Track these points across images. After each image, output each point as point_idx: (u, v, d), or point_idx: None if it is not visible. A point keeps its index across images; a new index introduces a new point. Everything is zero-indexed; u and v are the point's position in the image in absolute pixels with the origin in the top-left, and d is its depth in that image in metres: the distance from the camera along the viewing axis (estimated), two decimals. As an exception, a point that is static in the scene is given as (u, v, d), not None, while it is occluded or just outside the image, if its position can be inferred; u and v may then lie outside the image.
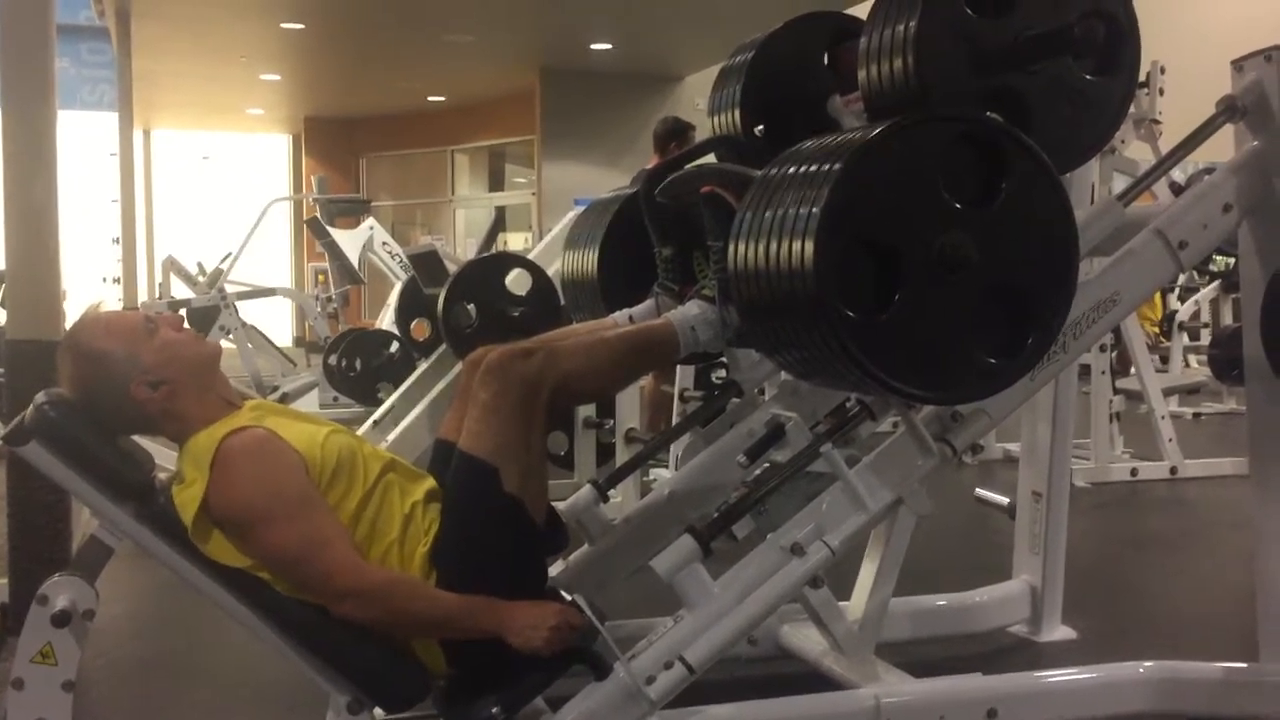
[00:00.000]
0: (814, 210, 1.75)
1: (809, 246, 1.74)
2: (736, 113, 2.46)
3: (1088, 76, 2.07)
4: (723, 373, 4.86)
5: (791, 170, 1.89)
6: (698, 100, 12.90)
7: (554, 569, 2.46)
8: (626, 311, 2.43)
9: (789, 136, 2.06)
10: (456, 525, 2.01)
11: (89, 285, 13.59)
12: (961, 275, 1.81)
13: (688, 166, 2.38)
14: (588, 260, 2.66)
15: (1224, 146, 2.36)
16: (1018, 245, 1.86)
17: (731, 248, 1.95)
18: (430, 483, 2.11)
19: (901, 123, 1.82)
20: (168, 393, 2.01)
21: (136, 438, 2.18)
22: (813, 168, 1.83)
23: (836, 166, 1.77)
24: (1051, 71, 2.02)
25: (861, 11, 2.24)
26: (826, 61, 2.49)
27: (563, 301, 4.44)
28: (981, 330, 1.86)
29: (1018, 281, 1.87)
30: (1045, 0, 2.00)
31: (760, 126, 2.44)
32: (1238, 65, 2.31)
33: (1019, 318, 1.88)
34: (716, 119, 2.52)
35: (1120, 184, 5.14)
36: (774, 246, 1.82)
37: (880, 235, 1.79)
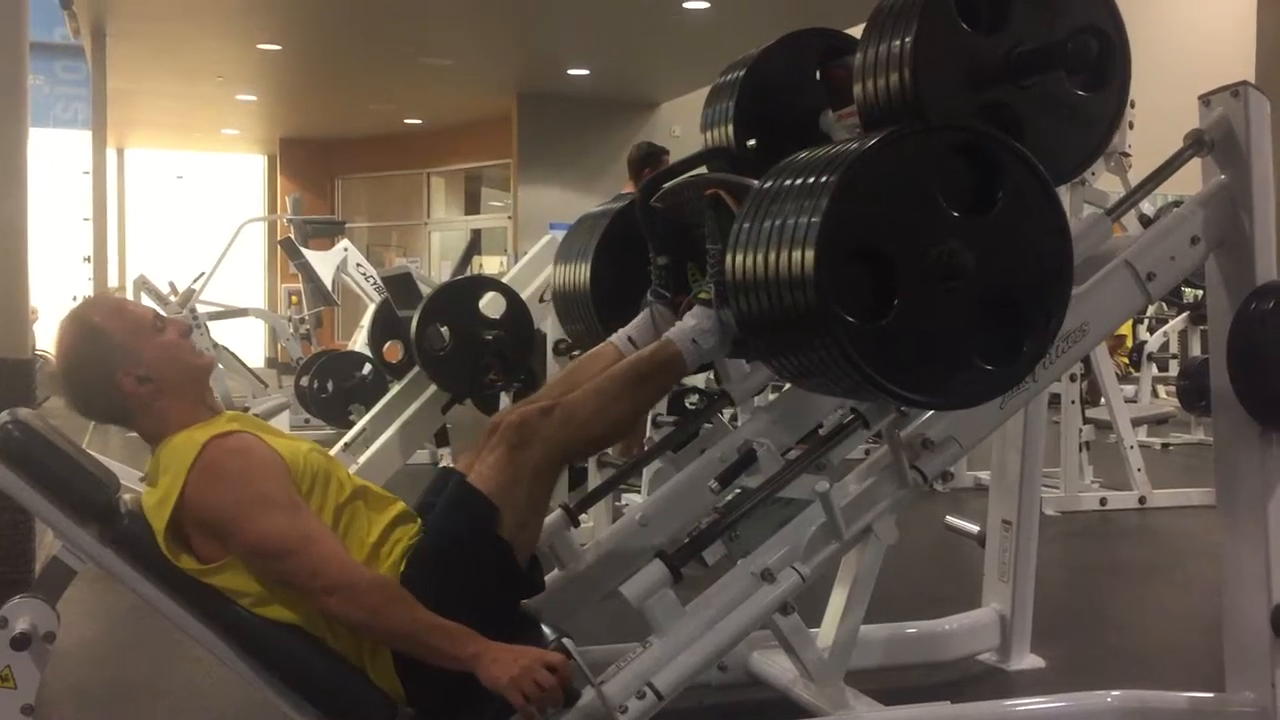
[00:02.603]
0: (813, 220, 1.77)
1: (809, 255, 1.76)
2: (729, 128, 2.47)
3: (1080, 92, 2.10)
4: (695, 398, 4.87)
5: (789, 181, 1.91)
6: (674, 127, 12.97)
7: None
8: (624, 332, 2.44)
9: (781, 152, 2.07)
10: (441, 553, 2.00)
11: (59, 304, 13.47)
12: (958, 283, 1.83)
13: (685, 175, 2.40)
14: (580, 273, 2.67)
15: (1192, 180, 2.39)
16: (1013, 254, 1.89)
17: (730, 258, 1.96)
18: (399, 507, 2.10)
19: (899, 132, 1.85)
20: (153, 390, 2.01)
21: (103, 459, 2.16)
22: (811, 178, 1.85)
23: (834, 176, 1.79)
24: (1045, 86, 2.05)
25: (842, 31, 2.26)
26: (819, 77, 2.50)
27: (549, 317, 4.46)
28: (978, 337, 1.88)
29: (1013, 289, 1.90)
30: (1039, 16, 2.04)
31: (752, 141, 2.46)
32: (1205, 100, 2.34)
33: (1014, 325, 1.90)
34: (709, 134, 2.53)
35: (1091, 215, 5.18)
36: (773, 256, 1.84)
37: (878, 243, 1.81)
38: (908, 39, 1.94)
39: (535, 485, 2.06)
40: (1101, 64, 2.08)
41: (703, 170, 2.47)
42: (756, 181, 2.03)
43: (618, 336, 2.44)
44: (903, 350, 1.82)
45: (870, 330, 1.79)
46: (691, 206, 2.35)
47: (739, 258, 1.93)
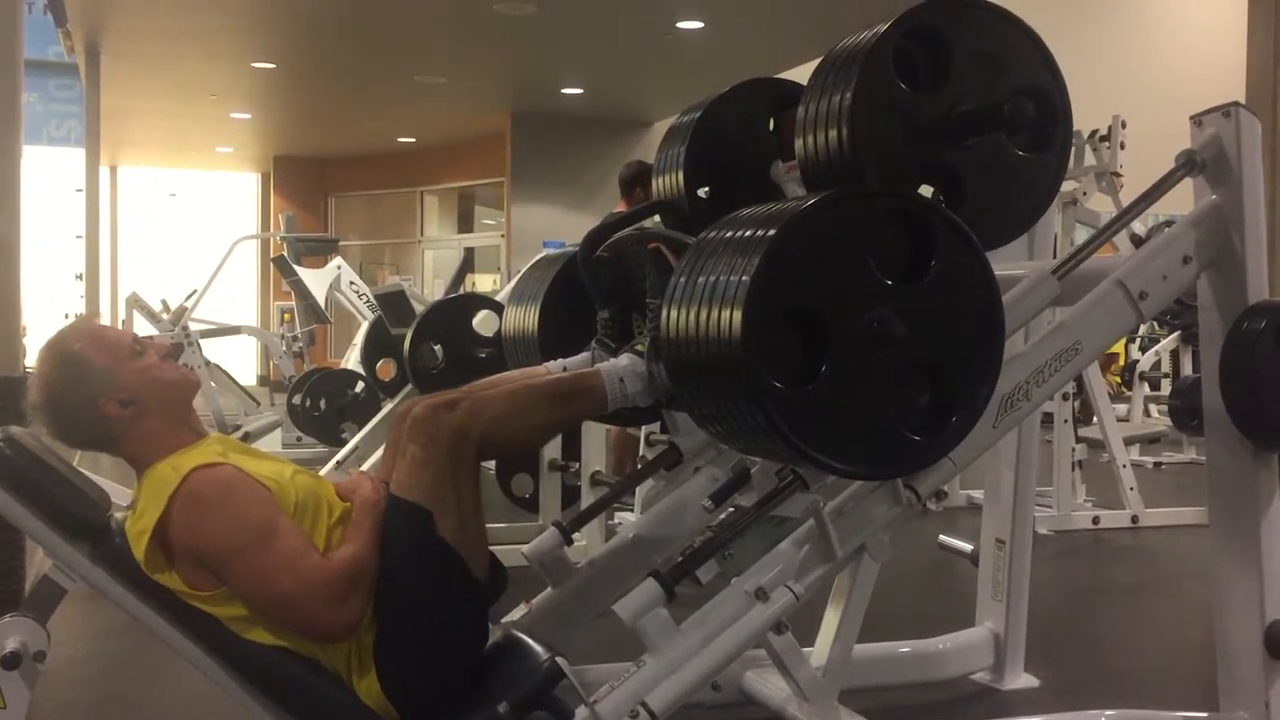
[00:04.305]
0: (744, 279, 1.75)
1: (737, 315, 1.74)
2: (680, 175, 2.45)
3: (1020, 153, 2.08)
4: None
5: (725, 236, 1.89)
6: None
7: (516, 613, 2.44)
8: (561, 361, 2.43)
9: (732, 200, 2.07)
10: (392, 571, 1.98)
11: (51, 321, 13.45)
12: (887, 351, 1.81)
13: (629, 229, 2.39)
14: (529, 317, 2.66)
15: (1184, 199, 2.40)
16: (943, 323, 1.86)
17: (664, 312, 1.95)
18: None
19: (833, 197, 1.83)
20: (136, 414, 2.00)
21: (94, 478, 2.15)
22: (745, 234, 1.83)
23: (769, 235, 1.77)
24: (985, 147, 2.03)
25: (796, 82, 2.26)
26: (771, 127, 2.49)
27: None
28: (906, 406, 1.85)
29: (942, 360, 1.87)
30: (978, 77, 2.02)
31: (704, 189, 2.44)
32: (1197, 120, 2.35)
33: (943, 395, 1.88)
34: (661, 179, 2.51)
35: (1082, 235, 5.20)
36: (704, 314, 1.82)
37: (809, 306, 1.78)
38: (847, 94, 1.93)
39: (458, 481, 2.01)
40: (1041, 125, 2.07)
41: (656, 220, 2.47)
42: (692, 240, 2.01)
43: (553, 363, 2.44)
44: (829, 417, 1.80)
45: (797, 395, 1.77)
46: (635, 259, 2.35)
47: (672, 313, 1.91)
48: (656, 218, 2.49)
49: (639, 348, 2.28)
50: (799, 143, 2.04)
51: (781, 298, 1.76)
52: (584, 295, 2.47)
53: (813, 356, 1.78)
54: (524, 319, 2.68)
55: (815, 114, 1.99)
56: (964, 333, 1.88)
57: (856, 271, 1.80)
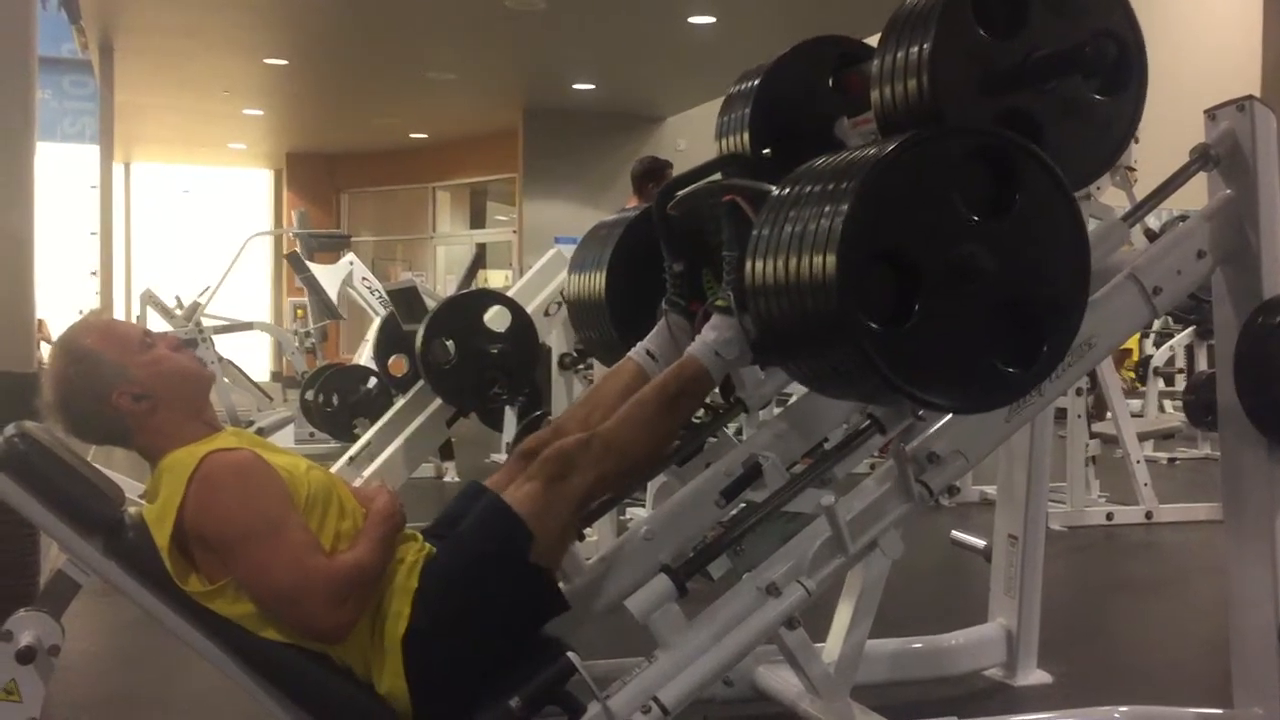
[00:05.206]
0: (834, 224, 1.77)
1: (830, 260, 1.76)
2: (745, 135, 2.47)
3: (1097, 96, 2.10)
4: (700, 412, 4.85)
5: (808, 187, 1.91)
6: (679, 141, 12.99)
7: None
8: (642, 346, 2.43)
9: (797, 159, 2.07)
10: (466, 565, 1.99)
11: (65, 317, 13.49)
12: (978, 286, 1.83)
13: (702, 182, 2.39)
14: (595, 281, 2.67)
15: (1198, 194, 2.39)
16: (1032, 257, 1.89)
17: (749, 264, 1.96)
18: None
19: (918, 137, 1.85)
20: (149, 408, 2.01)
21: (108, 472, 2.16)
22: (830, 184, 1.85)
23: (855, 182, 1.79)
24: (1062, 91, 2.06)
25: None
26: (832, 84, 2.51)
27: (554, 331, 4.45)
28: (998, 340, 1.88)
29: (1032, 292, 1.89)
30: (1056, 21, 2.04)
31: (767, 150, 2.46)
32: (1211, 115, 2.34)
33: (1034, 328, 1.90)
34: (724, 141, 2.53)
35: (1096, 230, 5.18)
36: (793, 262, 1.84)
37: (899, 248, 1.81)
38: (925, 45, 1.95)
39: (571, 516, 2.06)
40: (1119, 67, 2.08)
41: (718, 177, 2.47)
42: (774, 187, 2.03)
43: (636, 351, 2.43)
44: (923, 354, 1.82)
45: (891, 335, 1.79)
46: (708, 213, 2.35)
47: (758, 264, 1.93)
48: (719, 175, 2.49)
49: (720, 303, 2.27)
50: (875, 94, 2.05)
51: (873, 240, 1.79)
52: (646, 257, 2.48)
53: (906, 296, 1.81)
54: (590, 284, 2.69)
55: (893, 64, 2.00)
56: (1053, 264, 1.91)
57: (944, 210, 1.83)
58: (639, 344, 2.44)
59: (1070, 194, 1.91)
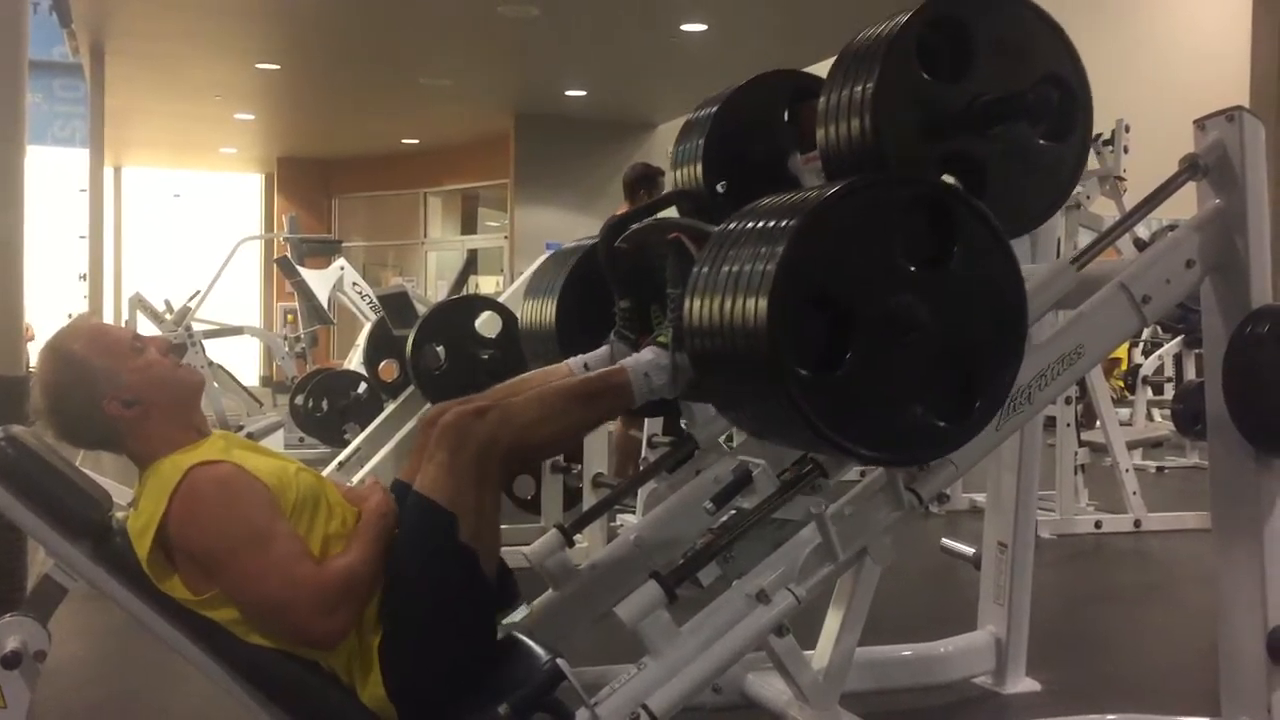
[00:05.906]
0: (769, 267, 1.75)
1: (763, 303, 1.74)
2: (698, 168, 2.46)
3: (1042, 141, 2.09)
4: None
5: (748, 225, 1.89)
6: (671, 148, 12.99)
7: (518, 614, 2.44)
8: (582, 358, 2.43)
9: (750, 193, 2.05)
10: (406, 571, 1.98)
11: (55, 321, 13.44)
12: (912, 337, 1.81)
13: (648, 220, 2.39)
14: (546, 310, 2.66)
15: (1187, 203, 2.40)
16: (968, 309, 1.87)
17: (687, 302, 1.95)
18: None
19: (857, 183, 1.83)
20: (140, 413, 2.00)
21: (96, 477, 2.15)
22: (769, 224, 1.83)
23: (792, 224, 1.77)
24: (1007, 136, 2.04)
25: (824, 70, 2.27)
26: (787, 119, 2.50)
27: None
28: (931, 392, 1.85)
29: (967, 345, 1.87)
30: (1000, 66, 2.02)
31: (722, 183, 2.44)
32: (1200, 124, 2.35)
33: (968, 381, 1.88)
34: (679, 172, 2.53)
35: (1085, 239, 5.20)
36: (728, 303, 1.82)
37: (833, 294, 1.79)
38: (869, 85, 1.93)
39: (482, 488, 2.01)
40: (1063, 114, 2.08)
41: (672, 212, 2.47)
42: (714, 229, 2.02)
43: (573, 360, 2.43)
44: (854, 404, 1.80)
45: (821, 381, 1.77)
46: (655, 250, 2.35)
47: (695, 302, 1.92)
48: (673, 209, 2.49)
49: (661, 340, 2.28)
50: (820, 132, 2.04)
51: (806, 284, 1.77)
52: (600, 287, 2.47)
53: (837, 343, 1.78)
54: (541, 312, 2.68)
55: (837, 103, 1.99)
56: (989, 317, 1.89)
57: (880, 258, 1.81)
58: (579, 356, 2.44)
59: (1008, 247, 1.90)
